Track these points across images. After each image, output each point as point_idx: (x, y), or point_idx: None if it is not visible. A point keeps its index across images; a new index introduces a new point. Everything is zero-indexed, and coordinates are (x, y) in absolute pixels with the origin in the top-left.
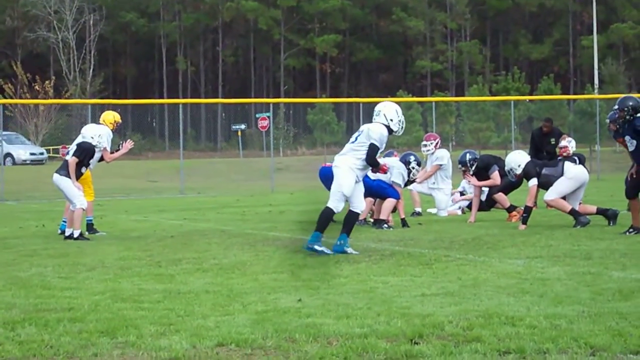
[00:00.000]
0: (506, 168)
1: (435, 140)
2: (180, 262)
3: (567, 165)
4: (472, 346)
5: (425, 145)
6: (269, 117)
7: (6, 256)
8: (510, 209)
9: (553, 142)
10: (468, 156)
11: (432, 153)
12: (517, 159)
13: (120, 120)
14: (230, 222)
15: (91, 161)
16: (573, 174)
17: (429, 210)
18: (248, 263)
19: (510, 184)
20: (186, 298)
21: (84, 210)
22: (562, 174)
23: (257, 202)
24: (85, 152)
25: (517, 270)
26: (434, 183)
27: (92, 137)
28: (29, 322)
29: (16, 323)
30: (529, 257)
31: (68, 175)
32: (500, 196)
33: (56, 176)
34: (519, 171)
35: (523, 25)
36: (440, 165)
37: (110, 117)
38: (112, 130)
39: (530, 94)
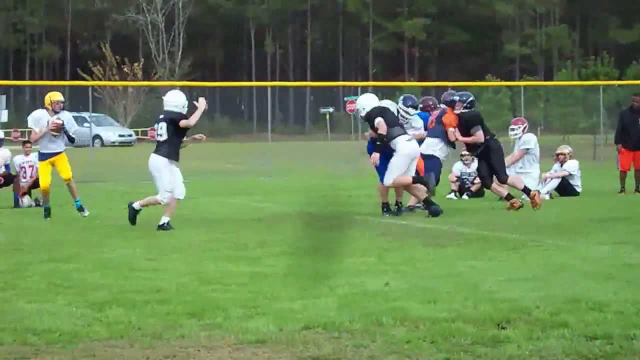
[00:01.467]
0: (356, 107)
1: (522, 124)
2: (266, 244)
3: (401, 140)
4: (559, 331)
5: (513, 130)
6: (357, 100)
7: (94, 237)
8: (526, 190)
9: None
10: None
11: (519, 137)
12: (366, 101)
13: (58, 99)
14: (316, 204)
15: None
16: (406, 150)
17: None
18: (335, 246)
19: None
20: (272, 281)
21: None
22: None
23: (345, 185)
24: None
25: (603, 256)
26: (521, 167)
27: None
28: (117, 304)
29: (104, 304)
30: (615, 243)
31: (170, 157)
32: (515, 179)
33: (156, 158)
34: (362, 113)
35: (612, 10)
36: (527, 149)
37: (47, 99)
38: (51, 110)
39: (619, 79)
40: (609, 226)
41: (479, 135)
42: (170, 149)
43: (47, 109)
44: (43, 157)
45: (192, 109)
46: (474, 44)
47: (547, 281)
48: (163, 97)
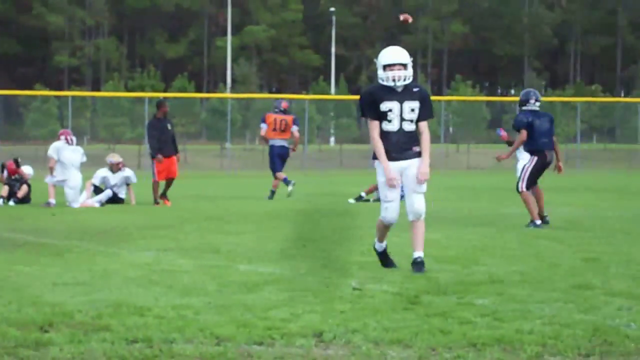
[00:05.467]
0: None
1: (63, 135)
2: None
3: None
4: (101, 335)
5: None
6: None
7: None
8: None
9: (170, 128)
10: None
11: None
12: None
13: None
14: None
15: None
16: None
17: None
18: None
19: None
20: None
21: None
22: None
23: None
24: None
25: (147, 262)
26: None
27: None
28: None
29: None
30: (158, 250)
31: None
32: None
33: None
34: None
35: (160, 25)
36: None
37: None
38: None
39: (165, 91)
40: (154, 233)
41: None
42: None
43: None
44: None
45: None
46: (25, 54)
47: (91, 286)
48: None
